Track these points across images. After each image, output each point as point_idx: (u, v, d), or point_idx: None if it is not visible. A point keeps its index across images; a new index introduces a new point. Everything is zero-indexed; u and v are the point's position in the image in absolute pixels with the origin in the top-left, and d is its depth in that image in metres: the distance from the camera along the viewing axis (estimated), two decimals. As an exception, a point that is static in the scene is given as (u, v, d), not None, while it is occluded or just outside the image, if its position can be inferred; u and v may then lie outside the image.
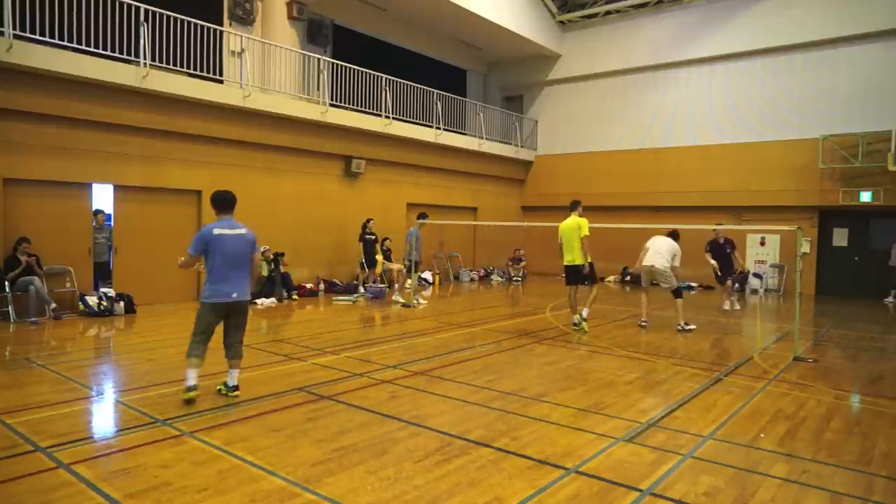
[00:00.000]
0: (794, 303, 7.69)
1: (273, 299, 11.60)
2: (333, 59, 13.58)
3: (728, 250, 11.76)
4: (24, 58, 8.58)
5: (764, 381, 6.24)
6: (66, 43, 9.06)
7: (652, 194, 16.92)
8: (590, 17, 18.44)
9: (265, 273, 11.91)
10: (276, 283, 11.88)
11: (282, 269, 12.09)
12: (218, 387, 5.34)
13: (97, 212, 10.58)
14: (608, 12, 18.05)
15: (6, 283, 8.76)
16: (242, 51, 11.85)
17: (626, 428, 4.64)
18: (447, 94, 16.38)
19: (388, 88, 14.31)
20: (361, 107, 13.75)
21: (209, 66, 10.92)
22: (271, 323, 9.68)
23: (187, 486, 3.47)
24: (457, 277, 17.21)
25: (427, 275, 15.29)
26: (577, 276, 9.00)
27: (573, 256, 8.89)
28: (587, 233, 8.77)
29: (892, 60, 13.88)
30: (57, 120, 9.38)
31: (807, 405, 5.37)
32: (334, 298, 12.46)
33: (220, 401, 5.10)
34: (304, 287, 12.75)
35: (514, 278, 17.55)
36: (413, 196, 15.96)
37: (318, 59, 13.17)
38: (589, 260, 8.91)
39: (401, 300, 11.89)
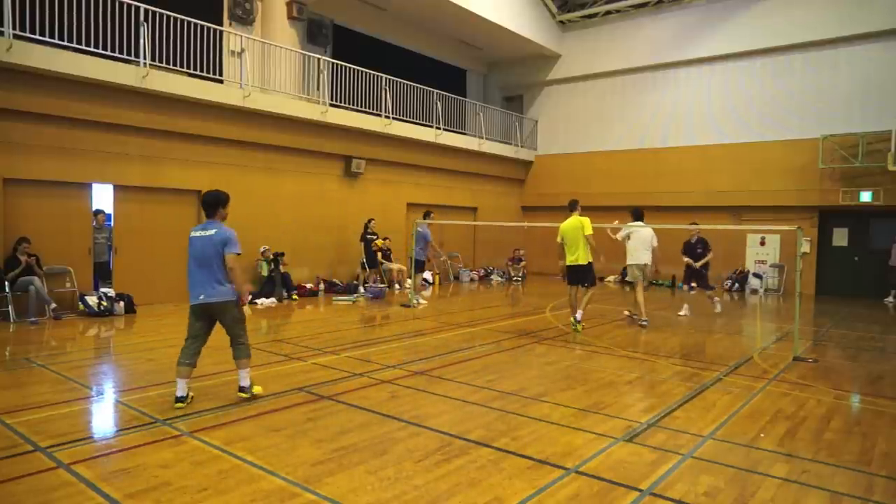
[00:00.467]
0: (794, 303, 7.68)
1: (273, 299, 11.60)
2: (333, 59, 13.58)
3: (699, 250, 10.91)
4: (23, 58, 8.58)
5: (764, 381, 6.24)
6: (65, 43, 9.06)
7: (652, 194, 16.91)
8: (590, 17, 18.44)
9: (265, 273, 11.92)
10: (276, 283, 11.88)
11: (282, 269, 12.09)
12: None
13: (97, 212, 10.58)
14: (608, 12, 18.05)
15: (6, 283, 8.76)
16: (242, 51, 11.85)
17: (626, 428, 4.64)
18: (447, 94, 16.39)
19: (388, 88, 14.31)
20: (361, 107, 13.75)
21: (209, 66, 10.92)
22: (271, 323, 9.68)
23: (187, 486, 3.47)
24: (457, 277, 17.21)
25: (427, 275, 15.28)
26: (581, 275, 8.90)
27: (577, 256, 8.80)
28: (591, 231, 8.76)
29: (892, 60, 13.88)
30: (57, 120, 9.38)
31: (807, 405, 5.37)
32: (334, 298, 12.46)
33: (220, 401, 5.10)
34: (304, 287, 12.75)
35: (514, 278, 17.56)
36: (413, 196, 15.96)
37: (318, 59, 13.17)
38: (590, 259, 8.90)
39: (423, 301, 11.99)
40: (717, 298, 11.59)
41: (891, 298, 13.70)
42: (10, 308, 8.80)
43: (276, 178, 12.66)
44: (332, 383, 5.80)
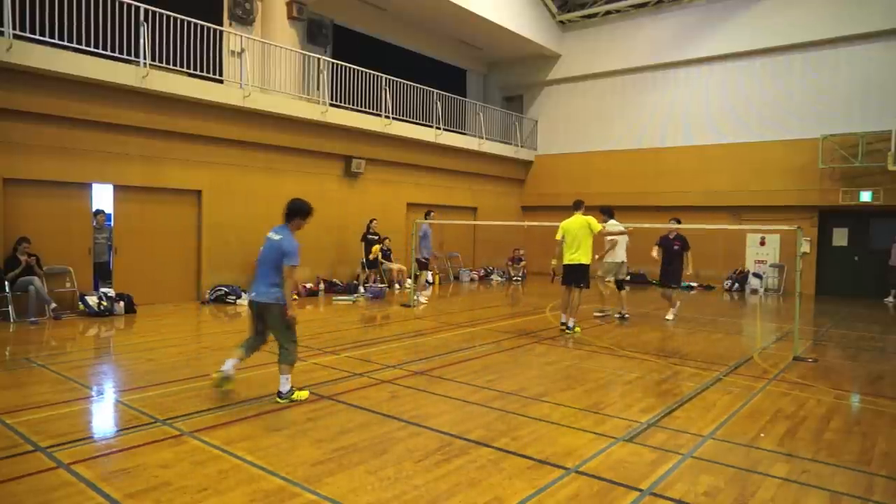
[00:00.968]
0: (794, 302, 7.68)
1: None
2: (333, 59, 13.58)
3: (676, 247, 10.21)
4: (23, 58, 8.57)
5: (764, 380, 6.24)
6: (66, 43, 9.06)
7: (652, 194, 16.92)
8: (590, 16, 18.43)
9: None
10: (276, 283, 11.86)
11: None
12: None
13: (97, 212, 10.58)
14: (608, 12, 18.05)
15: (6, 283, 8.76)
16: (242, 51, 11.85)
17: (626, 428, 4.64)
18: (447, 94, 16.38)
19: (387, 88, 14.30)
20: (361, 107, 13.74)
21: (209, 66, 10.92)
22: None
23: (187, 485, 3.47)
24: (457, 277, 17.21)
25: (427, 275, 15.29)
26: (579, 275, 8.80)
27: (578, 255, 8.69)
28: (600, 227, 8.78)
29: (892, 60, 13.88)
30: (57, 120, 9.38)
31: (807, 405, 5.37)
32: (334, 298, 12.46)
33: (220, 400, 5.10)
34: (304, 287, 12.75)
35: (514, 278, 17.56)
36: (413, 196, 15.96)
37: (318, 59, 13.17)
38: (590, 259, 8.88)
39: (423, 300, 12.01)
40: (678, 303, 10.61)
41: (891, 298, 13.70)
42: (10, 308, 8.80)
43: (277, 178, 12.66)
44: (332, 383, 5.80)
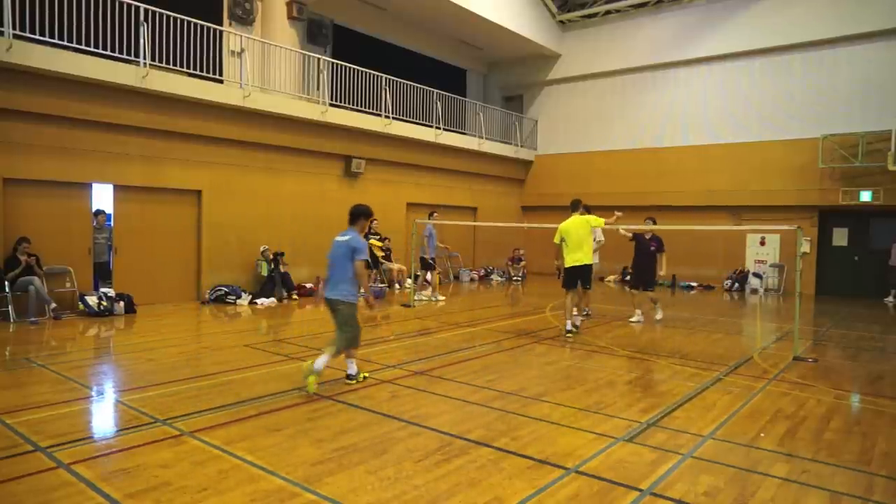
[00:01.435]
0: (794, 302, 7.68)
1: (273, 299, 11.59)
2: (333, 58, 13.58)
3: (652, 248, 9.82)
4: (23, 58, 8.57)
5: (764, 380, 6.24)
6: (66, 43, 9.06)
7: (652, 194, 16.90)
8: (590, 16, 18.43)
9: (265, 273, 11.91)
10: (276, 283, 11.88)
11: (282, 268, 12.08)
12: None
13: (98, 212, 10.57)
14: (608, 12, 18.05)
15: (6, 283, 8.76)
16: (242, 51, 11.84)
17: (626, 428, 4.64)
18: (447, 93, 16.38)
19: (387, 88, 14.30)
20: (361, 107, 13.74)
21: (209, 65, 10.92)
22: (271, 323, 9.68)
23: (187, 485, 3.47)
24: (457, 277, 17.21)
25: (428, 275, 15.29)
26: (584, 276, 8.66)
27: (581, 256, 8.47)
28: (602, 222, 8.62)
29: (892, 60, 13.88)
30: (57, 120, 9.38)
31: (807, 405, 5.37)
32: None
33: (219, 400, 5.10)
34: (304, 287, 12.74)
35: (514, 278, 17.56)
36: (413, 196, 15.95)
37: (318, 59, 13.17)
38: (592, 259, 8.81)
39: (424, 298, 12.04)
40: (658, 305, 10.19)
41: (891, 298, 13.70)
42: (10, 308, 8.80)
43: (277, 177, 12.66)
44: (333, 383, 5.80)
